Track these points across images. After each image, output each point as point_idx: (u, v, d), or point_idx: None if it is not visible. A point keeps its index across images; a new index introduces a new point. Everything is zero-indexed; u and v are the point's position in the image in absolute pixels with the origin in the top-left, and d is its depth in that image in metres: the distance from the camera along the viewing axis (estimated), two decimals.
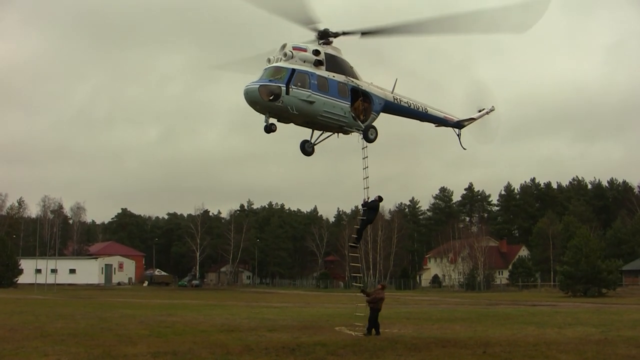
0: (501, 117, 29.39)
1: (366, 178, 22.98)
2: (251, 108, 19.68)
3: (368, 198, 23.03)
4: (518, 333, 24.84)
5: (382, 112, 23.31)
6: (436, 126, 26.43)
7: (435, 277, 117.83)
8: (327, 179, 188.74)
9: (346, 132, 22.31)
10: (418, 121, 25.67)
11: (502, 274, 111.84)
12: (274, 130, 19.86)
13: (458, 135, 27.04)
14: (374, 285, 78.61)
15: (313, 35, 21.84)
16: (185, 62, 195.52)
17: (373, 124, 22.52)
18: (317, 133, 22.62)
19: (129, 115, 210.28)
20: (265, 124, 19.72)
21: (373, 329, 23.68)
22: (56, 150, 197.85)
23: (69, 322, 28.48)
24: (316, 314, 37.57)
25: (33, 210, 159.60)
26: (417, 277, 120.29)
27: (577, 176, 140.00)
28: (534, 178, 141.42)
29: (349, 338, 22.71)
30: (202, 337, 22.44)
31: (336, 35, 21.88)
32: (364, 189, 23.05)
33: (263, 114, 19.70)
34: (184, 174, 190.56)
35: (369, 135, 22.14)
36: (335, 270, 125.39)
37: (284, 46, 20.46)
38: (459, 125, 26.94)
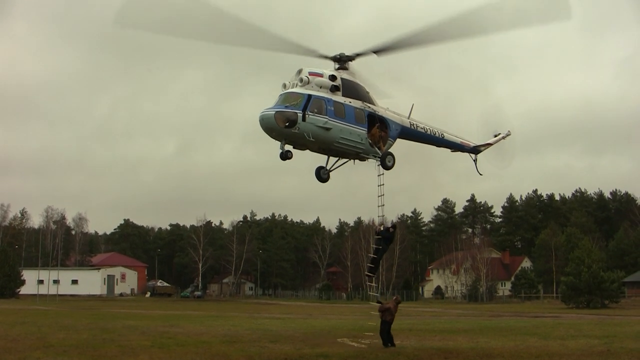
0: (516, 139, 28.55)
1: (381, 206, 22.22)
2: (267, 135, 19.17)
3: (382, 226, 22.57)
4: (521, 344, 24.78)
5: (399, 137, 22.80)
6: (452, 151, 26.04)
7: (438, 288, 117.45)
8: (330, 190, 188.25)
9: (363, 159, 21.82)
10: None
11: (504, 286, 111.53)
12: (289, 158, 19.25)
13: (474, 160, 26.69)
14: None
15: (329, 61, 21.40)
16: (208, 77, 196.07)
17: (390, 150, 21.95)
18: (332, 159, 22.12)
19: (145, 128, 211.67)
20: (280, 150, 19.13)
21: (389, 342, 23.18)
22: (69, 163, 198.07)
23: (71, 333, 28.49)
24: (319, 325, 37.52)
25: (36, 221, 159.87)
26: (420, 289, 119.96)
27: (579, 188, 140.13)
28: (536, 190, 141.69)
29: (352, 349, 22.68)
30: (204, 348, 22.43)
31: (351, 58, 21.35)
32: (379, 216, 22.61)
33: (279, 140, 19.15)
34: (189, 187, 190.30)
35: (387, 162, 21.47)
36: (337, 282, 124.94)
37: (299, 71, 20.09)
38: (475, 150, 26.59)
